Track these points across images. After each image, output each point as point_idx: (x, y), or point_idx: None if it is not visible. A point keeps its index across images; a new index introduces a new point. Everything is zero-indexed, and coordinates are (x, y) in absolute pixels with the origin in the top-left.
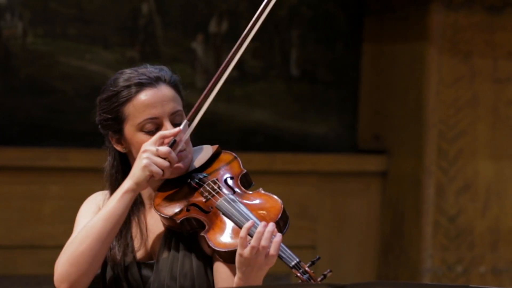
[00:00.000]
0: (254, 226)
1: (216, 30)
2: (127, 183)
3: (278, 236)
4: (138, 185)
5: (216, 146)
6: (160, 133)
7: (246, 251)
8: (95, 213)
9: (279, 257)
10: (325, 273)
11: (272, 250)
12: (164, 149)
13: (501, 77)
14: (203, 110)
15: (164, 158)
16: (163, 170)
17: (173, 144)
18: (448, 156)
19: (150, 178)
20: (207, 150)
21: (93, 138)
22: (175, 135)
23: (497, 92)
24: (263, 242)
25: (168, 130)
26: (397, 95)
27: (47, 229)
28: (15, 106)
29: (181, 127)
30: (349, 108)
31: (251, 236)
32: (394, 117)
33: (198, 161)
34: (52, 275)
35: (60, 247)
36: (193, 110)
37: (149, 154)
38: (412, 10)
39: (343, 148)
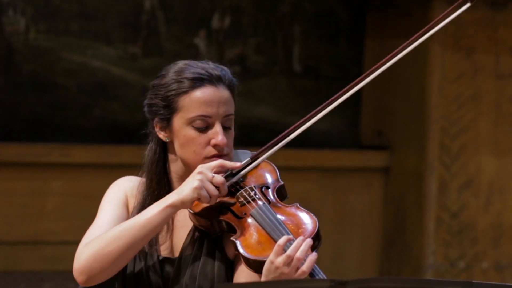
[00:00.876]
0: (293, 240)
1: (219, 26)
2: (173, 198)
3: (314, 254)
4: (183, 204)
5: (255, 153)
6: (220, 161)
7: (280, 260)
8: (122, 200)
9: (311, 275)
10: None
11: (305, 267)
12: (220, 179)
13: (504, 73)
14: (268, 154)
15: (216, 187)
16: (211, 198)
17: (228, 176)
18: (451, 152)
19: (195, 200)
20: (246, 155)
21: (95, 134)
22: (235, 168)
23: (499, 88)
24: (299, 254)
25: (230, 162)
26: (399, 91)
27: (49, 225)
28: (17, 102)
29: (243, 162)
30: (351, 104)
31: (285, 249)
32: (397, 113)
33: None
34: (54, 271)
35: (63, 243)
36: (260, 150)
37: (203, 178)
38: (414, 6)
39: (345, 144)
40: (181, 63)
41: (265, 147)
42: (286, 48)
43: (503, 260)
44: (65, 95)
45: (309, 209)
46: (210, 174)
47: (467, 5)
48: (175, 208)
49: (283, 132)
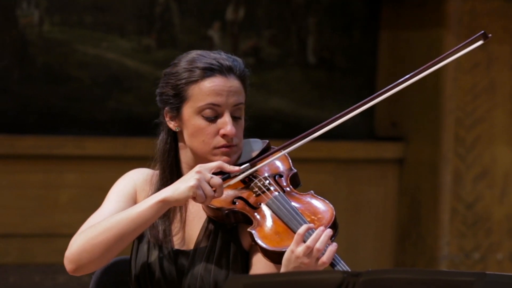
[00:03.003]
0: (312, 230)
1: (233, 18)
2: (167, 193)
3: (334, 245)
4: (177, 201)
5: (266, 141)
6: (220, 163)
7: (300, 249)
8: (129, 193)
9: (331, 265)
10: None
11: (325, 258)
12: (217, 180)
13: None
14: (267, 162)
15: (212, 188)
16: (206, 198)
17: (226, 179)
18: (466, 143)
19: (190, 199)
20: (257, 145)
21: (109, 126)
22: (233, 172)
23: None
24: (318, 245)
25: (229, 166)
26: (414, 82)
27: (63, 218)
28: (31, 95)
29: (241, 167)
30: (366, 95)
31: (305, 239)
32: (411, 104)
33: (249, 155)
34: None
35: None
36: (259, 158)
37: (201, 177)
38: None
39: (360, 135)
40: (193, 53)
41: (267, 154)
42: (300, 40)
43: None
44: (79, 87)
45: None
46: (209, 175)
47: (480, 42)
48: (168, 204)
49: (293, 136)
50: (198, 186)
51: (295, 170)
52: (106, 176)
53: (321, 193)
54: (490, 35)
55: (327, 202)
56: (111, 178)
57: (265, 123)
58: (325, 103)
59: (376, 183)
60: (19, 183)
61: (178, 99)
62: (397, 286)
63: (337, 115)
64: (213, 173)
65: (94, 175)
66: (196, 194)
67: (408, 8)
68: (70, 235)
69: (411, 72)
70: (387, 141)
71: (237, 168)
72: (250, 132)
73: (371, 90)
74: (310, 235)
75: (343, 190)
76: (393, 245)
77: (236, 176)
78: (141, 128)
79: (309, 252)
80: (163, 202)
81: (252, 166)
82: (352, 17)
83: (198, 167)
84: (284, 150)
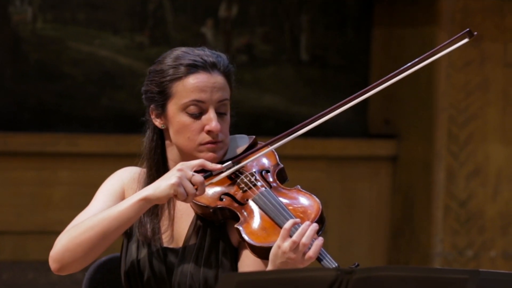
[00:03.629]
0: (298, 224)
1: (226, 15)
2: (148, 191)
3: (320, 239)
4: (158, 199)
5: (253, 137)
6: (201, 161)
7: (286, 244)
8: (117, 192)
9: (318, 260)
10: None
11: (311, 252)
12: (199, 178)
13: None
14: (250, 160)
15: (194, 186)
16: (187, 196)
17: (208, 176)
18: (459, 140)
19: (171, 197)
20: (243, 140)
21: (102, 123)
22: (215, 170)
23: (507, 76)
24: (305, 240)
25: (211, 164)
26: (407, 79)
27: (57, 215)
28: (25, 92)
29: (224, 165)
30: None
31: (292, 233)
32: (404, 102)
33: (235, 151)
34: None
35: None
36: (242, 156)
37: (182, 175)
38: None
39: (353, 133)
40: (177, 50)
41: (251, 150)
42: (293, 37)
43: (511, 248)
44: (72, 84)
45: (317, 197)
46: (190, 173)
47: (465, 40)
48: (149, 202)
49: (285, 131)
50: (179, 184)
51: (281, 165)
52: (99, 173)
53: (314, 190)
54: (475, 33)
55: (314, 196)
56: (104, 175)
57: (258, 121)
58: (318, 100)
59: (369, 180)
60: (13, 181)
61: (163, 96)
62: (390, 284)
63: (323, 112)
64: (196, 171)
65: (87, 172)
66: (177, 192)
67: (401, 5)
68: None
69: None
70: (380, 139)
71: (219, 166)
72: (242, 129)
73: (364, 87)
74: (296, 230)
75: (336, 188)
76: (386, 242)
77: (218, 174)
78: (134, 126)
79: (295, 247)
80: (145, 200)
81: (234, 164)
82: (345, 14)
83: (180, 165)
84: (269, 146)
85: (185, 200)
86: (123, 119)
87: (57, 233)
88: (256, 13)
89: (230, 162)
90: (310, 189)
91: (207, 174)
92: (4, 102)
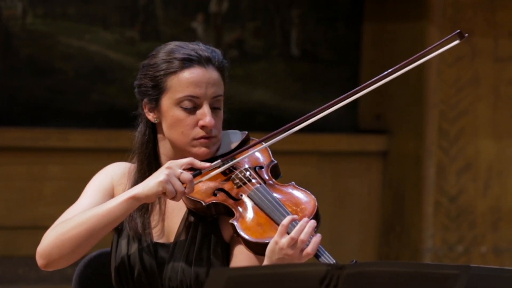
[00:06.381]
0: (296, 221)
1: (217, 10)
2: (137, 190)
3: (318, 236)
4: (147, 197)
5: (245, 133)
6: (190, 159)
7: (284, 241)
8: (106, 188)
9: (316, 256)
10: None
11: (310, 249)
12: (187, 176)
13: (502, 56)
14: (240, 158)
15: (183, 184)
16: (176, 193)
17: (197, 175)
18: (449, 136)
19: (160, 195)
20: (236, 136)
21: (93, 118)
22: (204, 168)
23: (498, 72)
24: (303, 236)
25: (200, 162)
26: (396, 75)
27: (47, 210)
28: (15, 87)
29: (213, 163)
30: (350, 87)
31: (289, 230)
32: (395, 97)
33: (228, 146)
34: None
35: None
36: (233, 154)
37: (171, 173)
38: None
39: (344, 128)
40: (171, 44)
41: (242, 148)
42: (284, 32)
43: (502, 244)
44: (63, 79)
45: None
46: (179, 171)
47: (456, 41)
48: (138, 200)
49: (279, 126)
50: (167, 181)
51: (275, 161)
52: (89, 168)
53: (305, 186)
54: (466, 34)
55: (309, 193)
56: (95, 170)
57: (249, 116)
58: (309, 95)
59: (360, 175)
60: (3, 175)
61: (157, 90)
62: (381, 279)
63: (317, 110)
64: (185, 170)
65: (78, 167)
66: (166, 190)
67: (392, 0)
68: None
69: (395, 64)
70: (371, 134)
71: (207, 164)
72: (233, 124)
73: (355, 82)
74: (294, 226)
75: (327, 183)
76: (377, 237)
77: (207, 172)
78: (125, 120)
79: (293, 243)
80: (133, 199)
81: (224, 162)
82: (336, 9)
83: (169, 163)
84: (262, 144)
85: (174, 198)
86: (113, 114)
87: (48, 228)
88: (246, 8)
89: (219, 160)
90: (301, 184)
91: (196, 172)
92: None
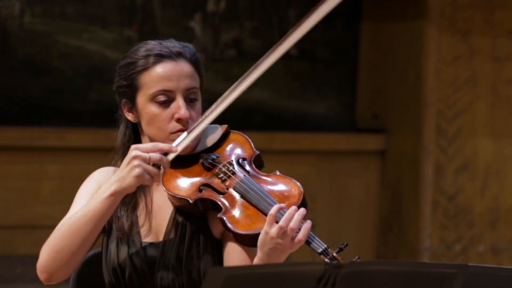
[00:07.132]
0: (284, 209)
1: (214, 9)
2: (114, 186)
3: (308, 222)
4: (126, 190)
5: (225, 126)
6: (155, 144)
7: (273, 230)
8: (94, 193)
9: (307, 243)
10: (353, 259)
11: (301, 235)
12: (156, 156)
13: (501, 55)
14: (204, 124)
15: (156, 165)
16: (153, 178)
17: (166, 154)
18: (447, 135)
19: (138, 184)
20: (217, 130)
21: (91, 117)
22: (170, 150)
23: (496, 71)
24: (292, 224)
25: (166, 144)
26: (396, 74)
27: (45, 209)
28: (13, 86)
29: (178, 141)
30: (348, 87)
31: (278, 218)
32: (393, 96)
33: (209, 141)
34: None
35: None
36: (196, 123)
37: (140, 162)
38: None
39: (342, 127)
40: (141, 43)
41: (202, 118)
42: (282, 32)
43: (500, 243)
44: (61, 78)
45: (306, 192)
46: (147, 155)
47: None
48: (120, 194)
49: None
50: (142, 173)
51: (258, 152)
52: (87, 168)
53: (304, 185)
54: None
55: (294, 180)
56: (93, 169)
57: (246, 115)
58: (307, 94)
59: (358, 175)
60: (0, 175)
61: (132, 89)
62: (379, 278)
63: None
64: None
65: (76, 167)
66: (144, 180)
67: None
68: (52, 227)
69: (393, 63)
70: (369, 133)
71: (172, 145)
72: (231, 123)
73: (353, 81)
74: (282, 215)
75: (325, 182)
76: (375, 237)
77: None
78: None
79: (282, 232)
80: (114, 194)
81: (188, 133)
82: (334, 8)
83: (134, 152)
84: (218, 106)
85: (152, 182)
86: (111, 113)
87: (46, 227)
88: (244, 8)
89: (185, 133)
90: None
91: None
92: None
